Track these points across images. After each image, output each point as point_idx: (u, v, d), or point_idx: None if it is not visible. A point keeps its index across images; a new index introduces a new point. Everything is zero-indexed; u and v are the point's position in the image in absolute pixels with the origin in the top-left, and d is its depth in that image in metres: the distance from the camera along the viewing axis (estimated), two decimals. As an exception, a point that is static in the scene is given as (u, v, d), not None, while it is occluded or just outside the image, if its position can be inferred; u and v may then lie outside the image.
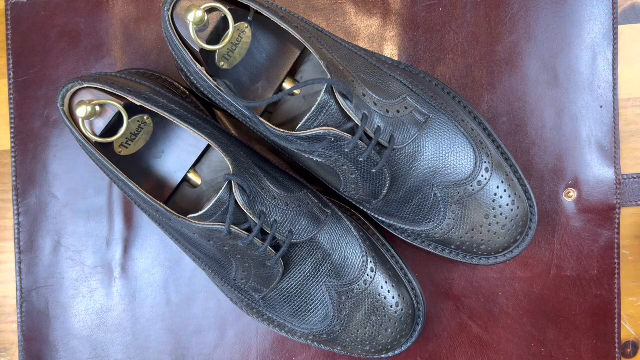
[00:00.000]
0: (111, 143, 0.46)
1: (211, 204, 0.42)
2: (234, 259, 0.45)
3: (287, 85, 0.48)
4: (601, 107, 0.52)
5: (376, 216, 0.49)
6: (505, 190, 0.47)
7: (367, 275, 0.47)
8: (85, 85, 0.44)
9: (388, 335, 0.48)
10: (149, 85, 0.48)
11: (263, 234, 0.44)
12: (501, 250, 0.48)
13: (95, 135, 0.44)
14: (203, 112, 0.50)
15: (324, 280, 0.47)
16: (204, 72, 0.43)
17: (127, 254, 0.55)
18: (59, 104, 0.44)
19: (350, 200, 0.48)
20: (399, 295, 0.48)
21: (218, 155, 0.49)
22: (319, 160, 0.43)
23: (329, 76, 0.40)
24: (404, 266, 0.50)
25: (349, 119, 0.41)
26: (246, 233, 0.43)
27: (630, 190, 0.53)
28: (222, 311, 0.54)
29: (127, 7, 0.54)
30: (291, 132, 0.41)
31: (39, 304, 0.55)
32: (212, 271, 0.48)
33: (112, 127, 0.45)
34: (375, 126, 0.42)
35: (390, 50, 0.53)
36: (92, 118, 0.44)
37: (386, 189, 0.46)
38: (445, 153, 0.46)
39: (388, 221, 0.49)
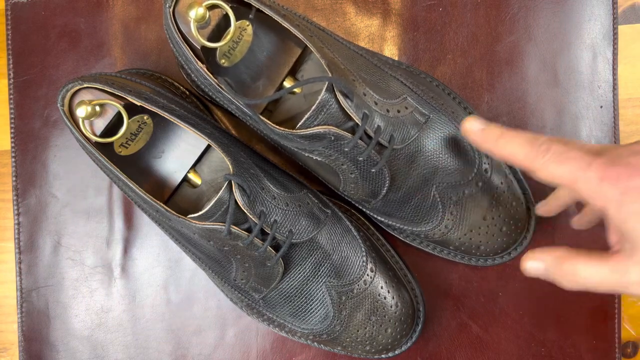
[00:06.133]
0: (111, 143, 0.46)
1: (211, 204, 0.42)
2: (234, 259, 0.45)
3: (287, 84, 0.48)
4: (601, 107, 0.52)
5: (375, 216, 0.49)
6: (504, 192, 0.47)
7: (367, 275, 0.47)
8: (85, 85, 0.44)
9: (388, 335, 0.48)
10: (149, 85, 0.48)
11: (263, 234, 0.44)
12: (500, 251, 0.48)
13: (95, 135, 0.44)
14: (203, 112, 0.50)
15: (324, 280, 0.47)
16: (205, 69, 0.43)
17: (127, 254, 0.55)
18: (59, 104, 0.44)
19: (350, 200, 0.48)
20: (398, 296, 0.48)
21: (218, 155, 0.49)
22: (319, 159, 0.43)
23: (330, 75, 0.40)
24: (404, 266, 0.50)
25: (349, 118, 0.41)
26: (246, 233, 0.43)
27: (630, 190, 0.53)
28: (222, 311, 0.54)
29: (127, 7, 0.54)
30: (291, 131, 0.41)
31: (39, 304, 0.55)
32: (212, 271, 0.48)
33: (112, 127, 0.45)
34: (376, 125, 0.42)
35: (390, 50, 0.53)
36: (92, 118, 0.44)
37: (385, 188, 0.46)
38: (445, 154, 0.46)
39: (387, 221, 0.49)
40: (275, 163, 0.49)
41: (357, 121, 0.41)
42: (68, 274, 0.55)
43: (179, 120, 0.44)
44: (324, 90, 0.40)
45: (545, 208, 0.47)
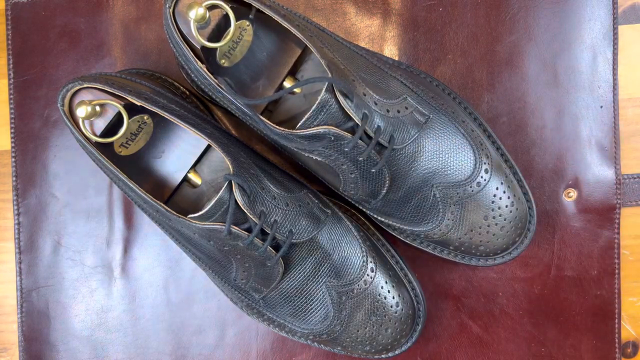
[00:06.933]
0: (111, 143, 0.46)
1: (211, 204, 0.42)
2: (234, 259, 0.45)
3: (287, 84, 0.48)
4: (601, 107, 0.52)
5: (375, 216, 0.49)
6: (504, 192, 0.47)
7: (367, 275, 0.47)
8: (85, 85, 0.44)
9: (388, 335, 0.48)
10: (149, 85, 0.48)
11: (263, 234, 0.44)
12: (500, 251, 0.48)
13: (95, 135, 0.44)
14: (203, 112, 0.50)
15: (324, 280, 0.47)
16: (205, 69, 0.43)
17: (127, 254, 0.55)
18: (59, 104, 0.44)
19: (350, 200, 0.48)
20: (399, 295, 0.48)
21: (218, 155, 0.49)
22: (319, 159, 0.43)
23: (330, 75, 0.40)
24: (404, 266, 0.50)
25: (349, 118, 0.41)
26: (246, 233, 0.43)
27: (630, 190, 0.53)
28: (222, 311, 0.54)
29: (127, 7, 0.54)
30: (291, 131, 0.41)
31: (39, 304, 0.55)
32: (212, 271, 0.48)
33: (112, 127, 0.45)
34: (376, 126, 0.42)
35: (390, 50, 0.53)
36: (92, 118, 0.44)
37: (385, 188, 0.46)
38: (445, 154, 0.46)
39: (387, 221, 0.49)
40: (275, 163, 0.49)
41: (357, 121, 0.41)
42: (68, 274, 0.55)
43: (179, 120, 0.44)
44: (323, 90, 0.40)
45: None
